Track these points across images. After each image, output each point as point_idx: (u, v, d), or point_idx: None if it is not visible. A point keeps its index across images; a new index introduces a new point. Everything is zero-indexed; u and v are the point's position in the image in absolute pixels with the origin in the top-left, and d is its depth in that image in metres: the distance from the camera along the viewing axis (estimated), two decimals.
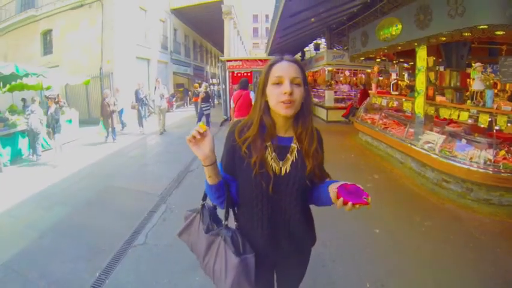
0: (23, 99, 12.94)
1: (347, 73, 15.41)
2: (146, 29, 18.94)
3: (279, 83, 1.27)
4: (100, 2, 15.28)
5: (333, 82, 14.60)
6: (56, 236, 4.08)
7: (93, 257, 3.49)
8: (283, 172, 1.33)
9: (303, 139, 1.34)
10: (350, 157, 7.78)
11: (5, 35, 18.35)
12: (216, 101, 22.03)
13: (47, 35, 17.22)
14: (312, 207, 1.55)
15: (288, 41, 18.61)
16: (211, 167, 1.31)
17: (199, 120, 10.74)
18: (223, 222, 1.46)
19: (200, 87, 14.87)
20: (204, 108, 10.91)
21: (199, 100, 12.00)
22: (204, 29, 28.22)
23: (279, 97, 1.25)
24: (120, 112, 11.82)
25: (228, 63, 13.90)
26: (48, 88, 11.00)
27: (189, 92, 22.11)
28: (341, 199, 1.15)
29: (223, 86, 14.61)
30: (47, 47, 17.22)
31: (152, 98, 12.42)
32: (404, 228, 4.15)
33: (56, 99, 8.30)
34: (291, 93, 1.24)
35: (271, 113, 1.35)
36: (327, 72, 14.72)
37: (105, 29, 15.29)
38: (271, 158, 1.34)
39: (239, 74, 13.32)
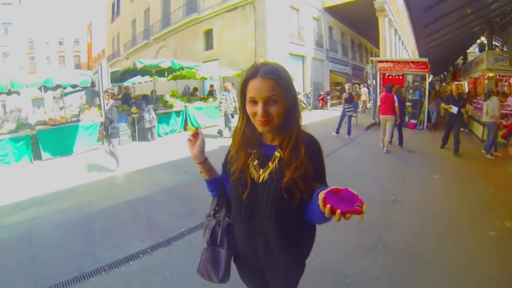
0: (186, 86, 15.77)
1: None
2: (299, 27, 19.60)
3: (254, 101, 1.22)
4: (252, 4, 16.79)
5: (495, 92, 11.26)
6: (170, 195, 5.30)
7: (188, 217, 4.29)
8: (260, 180, 1.31)
9: (284, 148, 1.27)
10: (486, 190, 5.37)
11: (174, 35, 21.92)
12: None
13: (208, 33, 19.77)
14: None
15: (439, 42, 16.01)
16: (200, 165, 1.46)
17: (340, 121, 10.20)
18: (211, 212, 1.52)
19: (360, 87, 14.39)
20: (346, 109, 10.31)
21: (342, 101, 11.45)
22: (361, 28, 27.24)
23: (254, 116, 1.23)
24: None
25: (379, 64, 13.12)
26: (203, 78, 13.50)
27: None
28: (328, 206, 0.98)
29: (373, 88, 13.82)
30: (208, 44, 19.78)
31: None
32: None
33: (114, 95, 7.57)
34: (265, 115, 1.20)
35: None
36: (486, 80, 11.82)
37: (257, 28, 16.66)
38: (253, 166, 1.34)
39: (390, 77, 12.40)
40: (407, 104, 11.67)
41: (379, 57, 16.80)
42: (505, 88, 11.27)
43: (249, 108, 1.25)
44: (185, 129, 11.35)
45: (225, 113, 9.98)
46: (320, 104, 19.53)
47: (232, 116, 10.22)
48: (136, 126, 10.22)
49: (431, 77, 14.92)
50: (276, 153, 1.31)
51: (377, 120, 9.35)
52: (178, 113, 11.42)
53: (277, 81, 1.20)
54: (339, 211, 0.98)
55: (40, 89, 9.50)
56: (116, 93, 15.70)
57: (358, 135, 10.54)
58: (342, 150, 8.25)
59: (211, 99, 13.07)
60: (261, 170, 1.32)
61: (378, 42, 19.79)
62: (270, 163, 1.31)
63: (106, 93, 6.77)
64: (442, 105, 8.21)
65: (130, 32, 29.20)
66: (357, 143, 9.42)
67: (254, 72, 1.23)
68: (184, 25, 20.83)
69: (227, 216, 1.51)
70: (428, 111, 11.81)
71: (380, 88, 12.47)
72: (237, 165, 1.36)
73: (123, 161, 6.79)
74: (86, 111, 10.09)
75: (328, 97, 20.56)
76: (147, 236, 3.86)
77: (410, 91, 12.34)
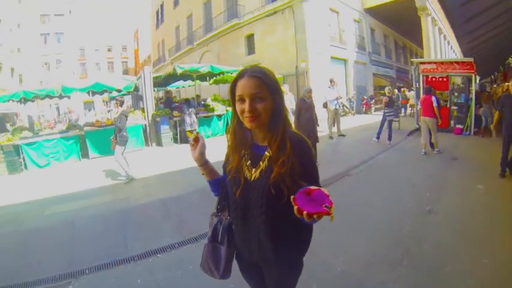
0: None
1: None
2: (340, 29, 19.27)
3: (242, 100, 1.32)
4: (291, 8, 16.68)
5: None
6: (203, 195, 4.99)
7: None
8: (252, 178, 1.39)
9: (271, 146, 1.35)
10: None
11: (217, 40, 22.40)
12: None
13: (249, 38, 20.00)
14: None
15: (484, 39, 14.78)
16: (201, 167, 1.58)
17: (381, 126, 9.91)
18: (214, 211, 1.63)
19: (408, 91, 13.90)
20: (386, 114, 10.01)
21: (382, 105, 11.11)
22: (404, 28, 26.16)
23: (243, 113, 1.33)
24: None
25: (422, 66, 12.32)
26: None
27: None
28: (296, 208, 1.02)
29: (416, 91, 13.12)
30: (250, 48, 20.00)
31: (329, 99, 12.20)
32: None
33: (123, 102, 7.39)
34: (252, 110, 1.30)
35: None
36: None
37: (297, 32, 16.51)
38: (246, 166, 1.43)
39: (433, 79, 11.68)
40: (453, 107, 11.20)
41: (423, 58, 16.06)
42: None
43: (238, 107, 1.34)
44: (227, 131, 11.60)
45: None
46: (364, 108, 19.05)
47: None
48: (178, 129, 10.69)
49: (478, 78, 13.84)
50: (266, 152, 1.38)
51: (419, 125, 9.08)
52: (219, 116, 11.78)
53: (263, 80, 1.30)
54: (305, 212, 1.00)
55: (88, 93, 10.27)
56: (161, 98, 16.55)
57: (400, 140, 10.10)
58: (381, 156, 8.02)
59: None
60: (253, 169, 1.40)
61: (422, 42, 19.02)
62: (261, 162, 1.39)
63: (115, 101, 6.86)
64: (495, 113, 7.01)
65: (174, 38, 30.33)
66: (398, 148, 9.08)
67: (242, 73, 1.35)
68: (226, 30, 21.22)
69: (229, 215, 1.58)
70: (479, 116, 11.07)
71: (423, 91, 11.84)
72: (231, 165, 1.45)
73: (131, 169, 6.63)
74: (129, 114, 10.75)
75: (372, 101, 19.92)
76: (177, 232, 4.09)
77: (455, 94, 11.61)
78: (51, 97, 10.04)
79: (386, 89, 11.22)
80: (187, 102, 10.99)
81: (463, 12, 10.69)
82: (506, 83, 13.76)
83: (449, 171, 6.59)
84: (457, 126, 11.05)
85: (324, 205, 1.00)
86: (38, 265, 3.33)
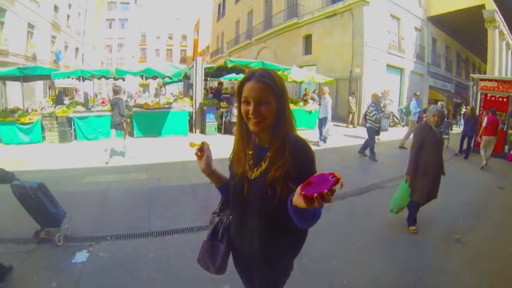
0: None
1: None
2: (400, 37, 18.51)
3: (247, 102, 1.36)
4: (350, 12, 16.25)
5: None
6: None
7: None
8: (253, 177, 1.46)
9: (271, 148, 1.41)
10: None
11: (275, 37, 22.64)
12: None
13: (307, 38, 19.90)
14: None
15: None
16: (210, 177, 1.64)
17: None
18: (216, 210, 1.74)
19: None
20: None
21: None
22: (469, 41, 24.56)
23: (247, 115, 1.37)
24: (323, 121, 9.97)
25: (482, 83, 11.21)
26: (294, 82, 13.64)
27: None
28: (302, 195, 0.99)
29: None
30: (307, 49, 19.91)
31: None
32: None
33: (118, 92, 7.68)
34: (257, 113, 1.34)
35: None
36: None
37: (355, 36, 16.06)
38: (248, 166, 1.48)
39: (493, 98, 10.68)
40: (510, 131, 10.36)
41: (485, 74, 14.93)
42: None
43: (243, 108, 1.38)
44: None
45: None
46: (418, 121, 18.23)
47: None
48: (223, 120, 10.99)
49: None
50: (268, 153, 1.43)
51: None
52: None
53: (270, 85, 1.34)
54: (315, 195, 0.97)
55: (142, 77, 10.88)
56: (213, 88, 17.06)
57: (447, 159, 9.49)
58: None
59: (302, 103, 13.17)
60: (255, 169, 1.46)
61: (487, 57, 17.71)
62: (262, 162, 1.44)
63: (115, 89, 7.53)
64: None
65: (234, 31, 31.14)
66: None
67: (250, 76, 1.38)
68: (284, 28, 21.38)
69: (231, 215, 1.67)
70: None
71: (480, 109, 10.99)
72: (236, 164, 1.52)
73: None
74: (178, 100, 11.25)
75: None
76: (199, 217, 4.23)
77: None
78: (106, 78, 10.79)
79: (439, 104, 10.63)
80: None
81: None
82: None
83: (492, 199, 6.04)
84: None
85: (330, 177, 0.99)
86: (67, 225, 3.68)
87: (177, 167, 6.71)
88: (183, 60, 50.64)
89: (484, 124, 8.59)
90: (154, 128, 9.85)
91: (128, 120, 7.22)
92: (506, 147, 10.29)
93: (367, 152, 8.40)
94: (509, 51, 20.67)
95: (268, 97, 1.34)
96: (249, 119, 1.37)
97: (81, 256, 3.20)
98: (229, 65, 10.32)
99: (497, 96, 10.69)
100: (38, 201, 3.17)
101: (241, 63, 11.01)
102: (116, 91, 7.48)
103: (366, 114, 8.71)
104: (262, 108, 1.34)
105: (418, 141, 4.08)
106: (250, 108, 1.34)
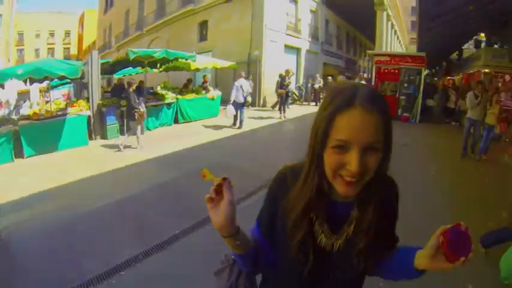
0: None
1: (507, 78, 11.83)
2: (297, 19, 19.59)
3: (342, 147, 0.76)
4: None
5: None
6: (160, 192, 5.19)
7: (180, 217, 4.18)
8: (335, 248, 0.93)
9: (365, 205, 0.88)
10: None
11: (168, 26, 21.75)
12: None
13: (202, 24, 19.63)
14: None
15: (437, 36, 16.11)
16: (229, 239, 0.92)
17: None
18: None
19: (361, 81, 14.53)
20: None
21: None
22: (357, 22, 27.26)
23: (339, 169, 0.79)
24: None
25: (376, 58, 13.68)
26: (197, 69, 13.57)
27: None
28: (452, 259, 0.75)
29: (368, 82, 14.14)
30: (203, 35, 19.70)
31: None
32: None
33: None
34: (361, 169, 0.76)
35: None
36: (482, 75, 12.57)
37: (254, 19, 16.49)
38: (321, 231, 0.93)
39: (386, 70, 12.96)
40: (401, 97, 12.60)
41: (374, 50, 16.93)
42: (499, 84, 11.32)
43: (333, 157, 0.80)
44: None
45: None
46: (312, 96, 19.30)
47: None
48: (124, 120, 9.31)
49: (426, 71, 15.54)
50: (352, 212, 0.93)
51: None
52: (169, 105, 11.14)
53: (384, 117, 0.79)
54: (462, 259, 0.74)
55: (25, 81, 8.84)
56: (105, 86, 15.36)
57: None
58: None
59: (204, 91, 12.87)
60: (334, 236, 0.95)
61: (373, 36, 19.88)
62: (345, 226, 0.94)
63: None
64: None
65: (123, 23, 28.77)
66: None
67: (350, 97, 0.78)
68: (179, 16, 20.66)
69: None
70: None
71: (375, 81, 13.19)
72: (298, 233, 0.94)
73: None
74: (73, 104, 9.60)
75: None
76: (138, 240, 3.50)
77: (405, 85, 12.76)
78: None
79: (339, 78, 12.10)
80: (138, 89, 10.01)
81: (433, 11, 11.44)
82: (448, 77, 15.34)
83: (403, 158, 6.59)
84: (404, 114, 12.43)
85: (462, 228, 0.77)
86: None
87: (92, 186, 5.56)
88: (68, 59, 45.21)
89: None
90: (48, 142, 7.96)
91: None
92: (400, 110, 12.44)
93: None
94: (393, 30, 23.78)
95: (380, 139, 0.78)
96: (340, 176, 0.80)
97: None
98: (132, 57, 9.13)
99: (390, 68, 12.90)
100: None
101: (144, 54, 9.90)
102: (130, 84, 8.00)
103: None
104: (369, 158, 0.78)
105: None
106: (352, 159, 0.76)
